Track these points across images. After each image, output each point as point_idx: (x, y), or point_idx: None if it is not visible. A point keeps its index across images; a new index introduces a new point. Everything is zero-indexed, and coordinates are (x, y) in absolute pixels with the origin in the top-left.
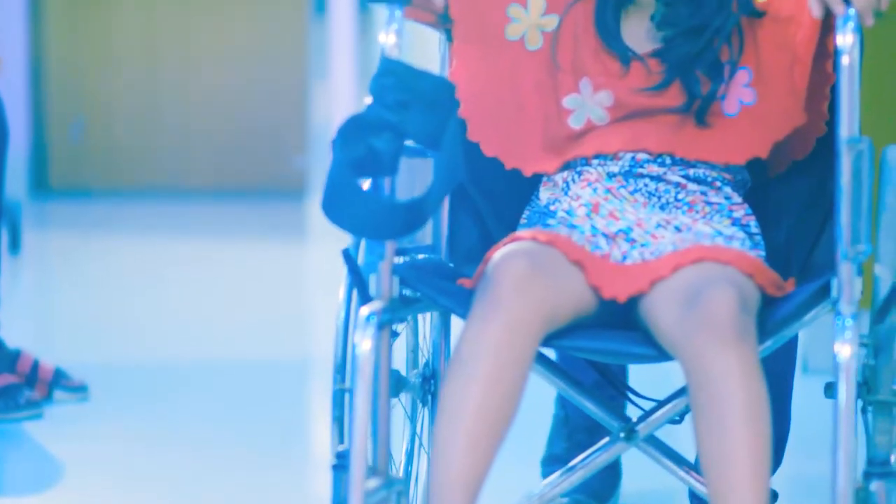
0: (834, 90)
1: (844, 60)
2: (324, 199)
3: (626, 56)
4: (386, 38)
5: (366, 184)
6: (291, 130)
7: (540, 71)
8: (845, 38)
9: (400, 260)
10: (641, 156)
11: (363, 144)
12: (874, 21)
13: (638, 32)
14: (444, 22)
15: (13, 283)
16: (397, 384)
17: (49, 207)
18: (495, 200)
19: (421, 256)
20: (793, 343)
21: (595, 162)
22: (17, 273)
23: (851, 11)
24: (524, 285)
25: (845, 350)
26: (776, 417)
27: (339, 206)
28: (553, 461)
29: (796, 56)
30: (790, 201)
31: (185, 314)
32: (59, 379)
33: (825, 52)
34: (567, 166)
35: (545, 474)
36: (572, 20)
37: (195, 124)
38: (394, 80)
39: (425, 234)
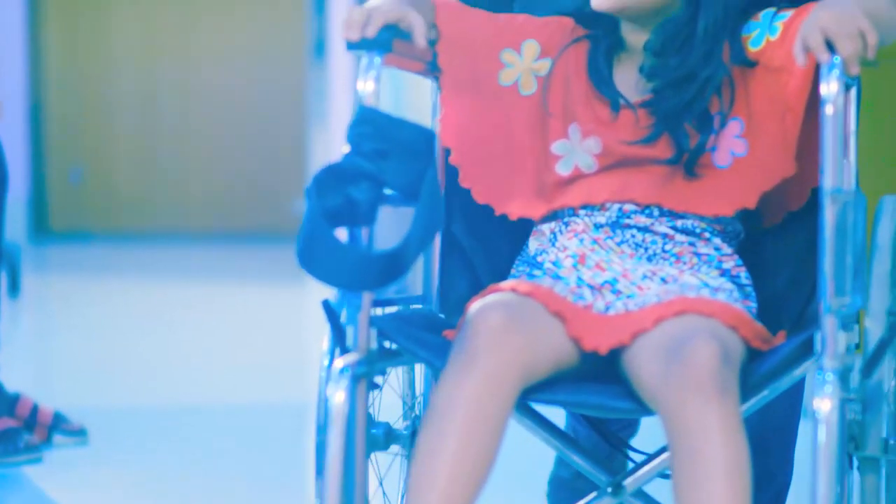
0: None
1: (828, 110)
2: (298, 249)
3: (616, 102)
4: (364, 86)
5: (344, 233)
6: (290, 175)
7: (533, 115)
8: (829, 87)
9: (380, 311)
10: (629, 207)
11: (340, 194)
12: (860, 69)
13: (629, 80)
14: (432, 70)
15: (13, 326)
16: (387, 437)
17: (49, 250)
18: (487, 249)
19: (414, 307)
20: (798, 388)
21: (582, 212)
22: (17, 316)
23: (836, 59)
24: (500, 338)
25: (825, 405)
26: (779, 464)
27: (315, 257)
28: (559, 484)
29: (788, 105)
30: (787, 252)
31: (185, 358)
32: (58, 423)
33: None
34: (554, 216)
35: (550, 494)
36: (564, 64)
37: (194, 169)
38: (371, 128)
39: (416, 285)
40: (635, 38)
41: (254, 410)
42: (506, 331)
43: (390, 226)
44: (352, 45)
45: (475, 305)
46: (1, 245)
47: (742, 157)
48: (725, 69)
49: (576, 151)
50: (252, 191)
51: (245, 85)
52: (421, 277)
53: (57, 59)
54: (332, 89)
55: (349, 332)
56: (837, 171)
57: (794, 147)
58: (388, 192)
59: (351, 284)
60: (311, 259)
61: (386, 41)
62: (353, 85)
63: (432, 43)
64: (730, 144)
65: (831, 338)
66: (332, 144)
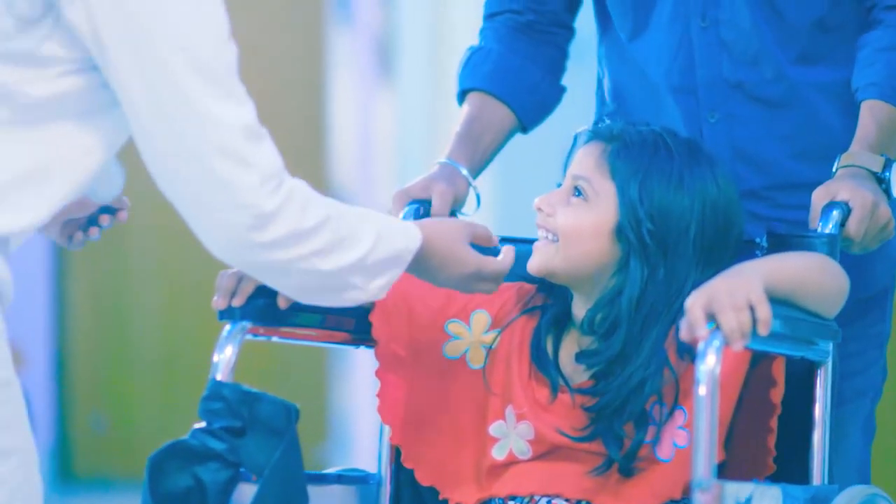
0: (780, 421)
1: (700, 390)
2: None
3: (555, 384)
4: (220, 356)
5: None
6: (311, 416)
7: (478, 392)
8: (705, 364)
9: None
10: (557, 501)
11: (188, 474)
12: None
13: (573, 360)
14: (360, 337)
15: None
16: None
17: (73, 499)
18: None
19: None
20: None
21: (511, 503)
22: None
23: (716, 336)
24: None
25: None
26: None
27: None
28: None
29: (720, 384)
30: None
31: None
32: None
33: (770, 380)
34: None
35: None
36: (510, 337)
37: None
38: (222, 404)
39: None
40: (581, 312)
41: None
42: None
43: None
44: (221, 315)
45: None
46: None
47: (684, 448)
48: (671, 371)
49: (511, 435)
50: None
51: None
52: None
53: (81, 308)
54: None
55: None
56: (710, 460)
57: (720, 431)
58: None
59: None
60: None
61: (255, 311)
62: None
63: (366, 311)
64: (673, 436)
65: None
66: (354, 392)
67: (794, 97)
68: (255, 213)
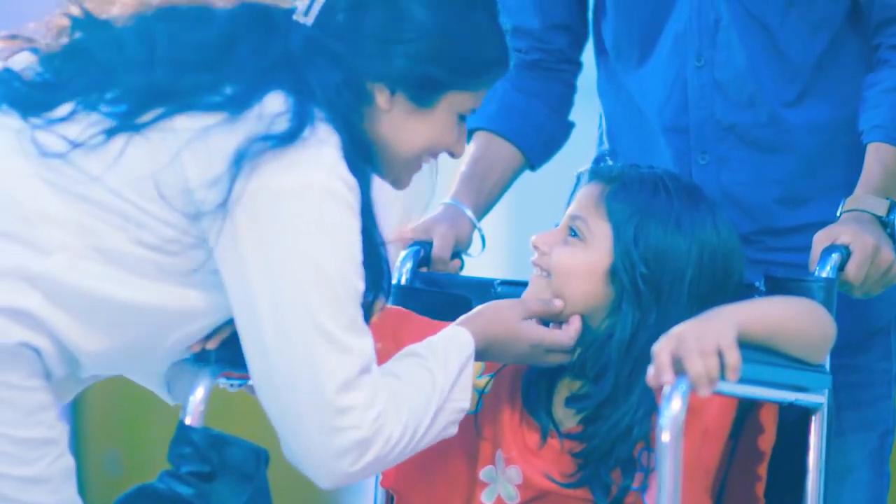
0: (774, 469)
1: (664, 437)
2: None
3: (545, 429)
4: (192, 397)
5: None
6: None
7: (471, 436)
8: (669, 410)
9: None
10: None
11: None
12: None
13: (564, 405)
14: None
15: None
16: None
17: None
18: None
19: None
20: None
21: None
22: None
23: (682, 382)
24: None
25: None
26: None
27: None
28: None
29: (707, 430)
30: None
31: None
32: None
33: (758, 426)
34: None
35: None
36: (501, 381)
37: None
38: (191, 449)
39: None
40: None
41: None
42: None
43: None
44: (196, 358)
45: None
46: None
47: None
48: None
49: (500, 480)
50: (280, 481)
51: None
52: None
53: None
54: None
55: None
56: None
57: (707, 477)
58: None
59: None
60: None
61: (230, 355)
62: None
63: None
64: None
65: None
66: None
67: (788, 141)
68: (357, 438)
